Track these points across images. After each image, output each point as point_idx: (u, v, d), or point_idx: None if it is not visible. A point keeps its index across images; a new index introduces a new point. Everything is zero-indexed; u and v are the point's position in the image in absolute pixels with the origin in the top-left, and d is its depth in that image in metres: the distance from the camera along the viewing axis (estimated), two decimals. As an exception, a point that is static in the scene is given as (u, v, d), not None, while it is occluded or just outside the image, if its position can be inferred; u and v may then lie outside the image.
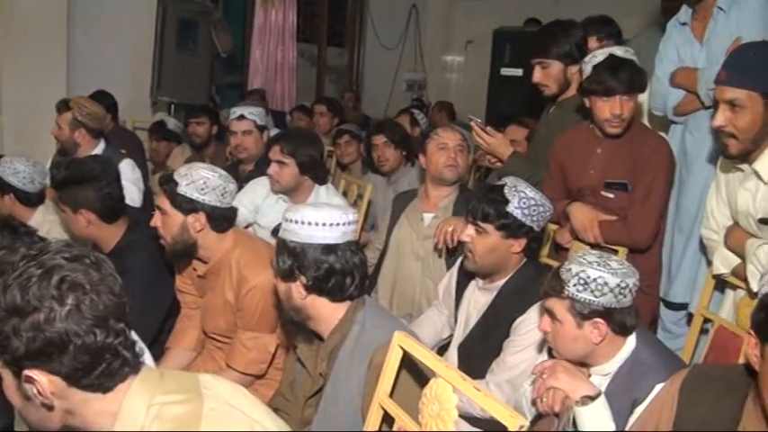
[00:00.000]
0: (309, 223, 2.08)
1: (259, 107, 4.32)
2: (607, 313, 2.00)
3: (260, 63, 8.38)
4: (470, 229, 2.57)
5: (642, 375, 2.02)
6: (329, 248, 2.10)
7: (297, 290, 2.14)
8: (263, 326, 2.74)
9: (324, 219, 2.09)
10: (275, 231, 2.25)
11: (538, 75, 3.51)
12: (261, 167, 3.90)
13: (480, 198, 2.55)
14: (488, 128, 3.49)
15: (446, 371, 1.70)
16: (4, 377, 1.34)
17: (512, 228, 2.51)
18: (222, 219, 2.70)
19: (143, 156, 5.33)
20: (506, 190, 2.51)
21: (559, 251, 3.26)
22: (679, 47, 3.29)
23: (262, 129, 4.20)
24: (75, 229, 2.99)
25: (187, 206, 2.63)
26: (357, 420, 2.03)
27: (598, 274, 1.98)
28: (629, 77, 2.91)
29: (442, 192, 3.42)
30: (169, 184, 2.64)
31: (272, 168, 3.54)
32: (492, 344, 2.55)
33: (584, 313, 2.00)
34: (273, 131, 4.64)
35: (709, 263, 2.87)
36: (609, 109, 2.94)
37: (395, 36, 10.00)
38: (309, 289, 2.13)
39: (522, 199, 2.49)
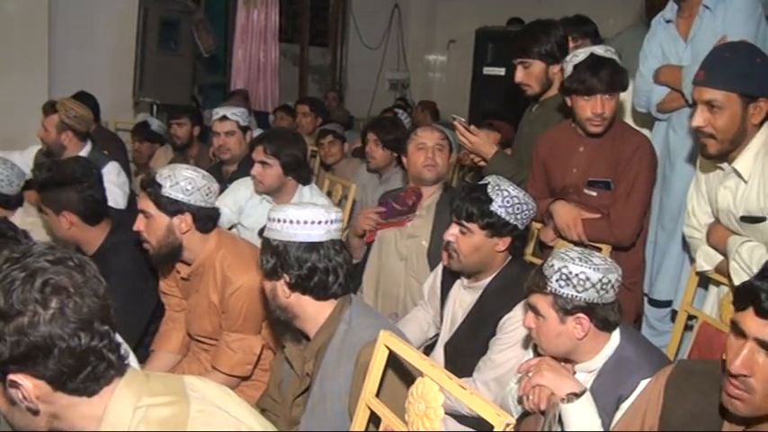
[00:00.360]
0: (292, 221, 2.08)
1: (242, 108, 4.31)
2: (589, 308, 2.01)
3: (242, 63, 8.37)
4: (455, 229, 2.57)
5: (627, 372, 2.03)
6: (312, 247, 2.11)
7: (281, 288, 2.14)
8: (248, 327, 2.74)
9: (307, 217, 2.09)
10: (262, 232, 2.24)
11: (520, 74, 3.51)
12: (244, 168, 3.90)
13: (464, 197, 2.55)
14: (472, 127, 3.48)
15: (432, 370, 1.69)
16: None
17: (496, 226, 2.51)
18: (207, 219, 2.69)
19: (126, 157, 5.30)
20: (489, 189, 2.51)
21: (544, 249, 3.27)
22: (663, 44, 3.29)
23: (245, 129, 4.21)
24: (58, 230, 2.97)
25: (172, 208, 2.60)
26: (345, 419, 2.04)
27: (580, 270, 1.99)
28: (609, 76, 2.91)
29: (424, 191, 3.42)
30: (153, 186, 2.61)
31: (256, 169, 3.53)
32: (478, 342, 2.56)
33: (567, 308, 2.01)
34: (257, 132, 4.63)
35: (693, 260, 2.88)
36: (590, 108, 2.95)
37: (377, 35, 10.01)
38: (293, 287, 2.13)
39: (506, 198, 2.49)
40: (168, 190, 2.59)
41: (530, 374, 2.06)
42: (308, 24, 9.45)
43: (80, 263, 1.33)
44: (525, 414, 2.13)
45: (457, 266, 2.64)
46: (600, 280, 1.99)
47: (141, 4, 6.49)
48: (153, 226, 2.64)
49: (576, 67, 2.97)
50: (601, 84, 2.91)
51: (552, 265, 2.03)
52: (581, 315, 2.02)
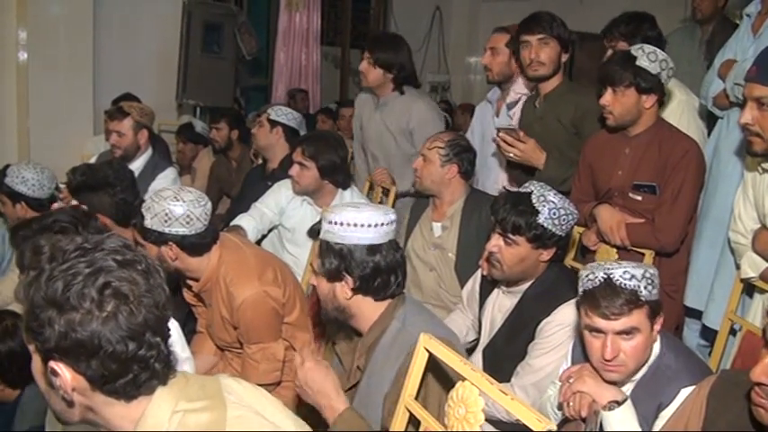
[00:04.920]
0: (356, 224, 2.10)
1: (289, 110, 4.33)
2: (661, 307, 2.04)
3: (284, 66, 8.41)
4: (499, 240, 2.53)
5: (666, 380, 2.02)
6: (375, 248, 2.12)
7: (341, 290, 2.15)
8: (266, 336, 2.76)
9: (369, 220, 2.10)
10: (314, 233, 2.24)
11: (535, 50, 3.42)
12: (286, 166, 3.94)
13: (509, 210, 2.48)
14: (521, 133, 3.39)
15: (473, 374, 1.69)
16: (33, 360, 1.34)
17: (542, 238, 2.48)
18: (195, 244, 2.65)
19: (169, 158, 5.38)
20: (534, 200, 2.46)
21: (586, 255, 3.23)
22: (739, 38, 3.26)
23: (273, 123, 4.21)
24: None
25: (156, 239, 2.60)
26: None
27: (651, 269, 2.03)
28: (614, 70, 2.93)
29: (446, 200, 3.40)
30: (137, 218, 2.62)
31: (294, 169, 3.56)
32: (517, 347, 2.55)
33: (656, 311, 2.02)
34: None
35: (738, 266, 2.83)
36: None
37: (418, 38, 9.98)
38: (356, 289, 2.14)
39: (552, 209, 2.45)
40: (149, 222, 2.58)
41: (570, 380, 2.05)
42: (349, 27, 9.47)
43: (147, 269, 1.32)
44: (565, 420, 2.12)
45: (499, 276, 2.61)
46: (650, 275, 2.03)
47: (185, 8, 6.58)
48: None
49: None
50: (608, 74, 2.94)
51: (633, 275, 1.99)
52: (660, 314, 2.04)
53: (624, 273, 1.99)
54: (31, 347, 1.31)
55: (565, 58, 3.42)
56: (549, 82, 3.47)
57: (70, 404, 1.33)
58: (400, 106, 4.16)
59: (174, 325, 1.83)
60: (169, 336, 1.37)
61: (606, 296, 1.98)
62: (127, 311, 1.26)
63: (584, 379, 2.01)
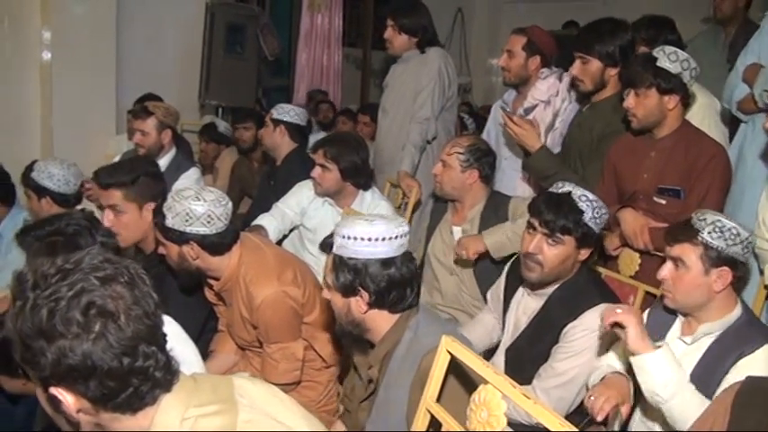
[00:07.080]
0: (369, 239, 2.07)
1: (289, 106, 4.37)
2: (734, 263, 2.13)
3: (306, 67, 8.42)
4: (541, 242, 2.50)
5: (751, 335, 2.12)
6: (389, 262, 2.10)
7: (357, 305, 2.13)
8: (285, 335, 2.75)
9: (381, 234, 2.07)
10: (326, 246, 2.20)
11: (576, 68, 3.44)
12: (288, 165, 4.11)
13: (556, 212, 2.46)
14: (516, 117, 3.42)
15: (495, 377, 1.68)
16: (36, 388, 1.33)
17: (588, 237, 2.48)
18: (216, 244, 2.64)
19: (192, 158, 5.40)
20: (576, 199, 2.46)
21: (608, 261, 3.20)
22: (761, 39, 3.22)
23: (276, 122, 4.26)
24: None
25: (178, 238, 2.59)
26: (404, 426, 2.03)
27: (732, 225, 2.13)
28: (635, 71, 2.94)
29: (467, 203, 3.38)
30: (158, 217, 2.62)
31: (315, 171, 3.57)
32: (541, 349, 2.54)
33: (714, 259, 2.11)
34: (320, 135, 4.71)
35: (761, 272, 2.81)
36: None
37: (440, 39, 9.97)
38: (371, 304, 2.12)
39: (595, 208, 2.46)
40: (170, 221, 2.57)
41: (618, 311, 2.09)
42: (371, 29, 9.47)
43: (131, 279, 1.31)
44: (589, 422, 2.11)
45: (536, 278, 2.56)
46: (747, 238, 2.14)
47: (208, 9, 6.64)
48: (168, 253, 2.67)
49: None
50: (629, 76, 2.96)
51: (705, 219, 2.16)
52: (725, 268, 2.12)
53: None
54: (31, 376, 1.31)
55: (613, 72, 3.38)
56: (601, 92, 3.45)
57: (76, 427, 1.33)
58: (418, 61, 4.49)
59: (173, 327, 1.81)
60: (166, 341, 1.36)
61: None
62: (115, 328, 1.25)
63: (630, 317, 2.07)
